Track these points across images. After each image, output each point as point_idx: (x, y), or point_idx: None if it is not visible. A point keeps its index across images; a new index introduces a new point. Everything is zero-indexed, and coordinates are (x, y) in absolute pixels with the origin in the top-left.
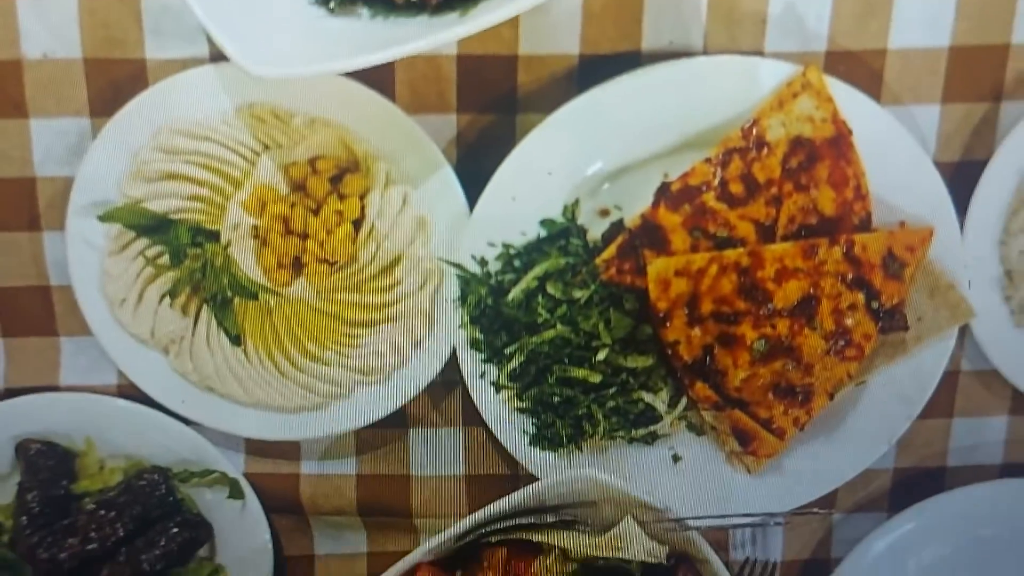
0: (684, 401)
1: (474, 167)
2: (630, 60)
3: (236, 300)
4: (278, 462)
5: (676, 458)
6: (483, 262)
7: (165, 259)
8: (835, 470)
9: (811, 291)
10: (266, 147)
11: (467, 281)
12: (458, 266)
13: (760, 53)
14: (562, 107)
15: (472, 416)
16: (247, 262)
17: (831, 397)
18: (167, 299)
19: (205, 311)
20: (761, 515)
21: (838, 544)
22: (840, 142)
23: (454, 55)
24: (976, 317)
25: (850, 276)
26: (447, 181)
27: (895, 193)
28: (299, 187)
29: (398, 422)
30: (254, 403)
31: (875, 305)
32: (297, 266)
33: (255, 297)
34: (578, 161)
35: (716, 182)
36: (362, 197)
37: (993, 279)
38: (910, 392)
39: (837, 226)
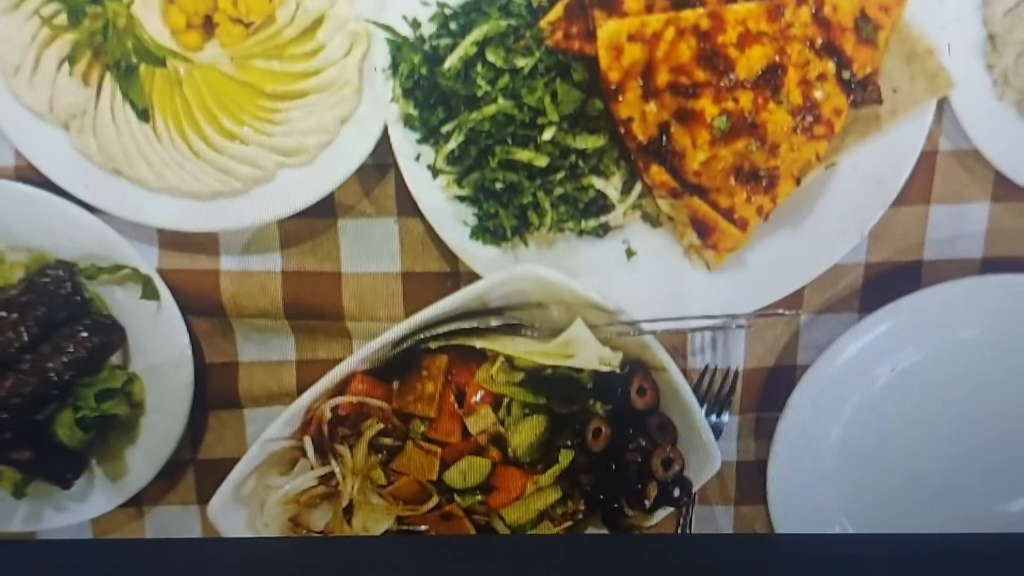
0: (638, 187)
1: None
2: None
3: (142, 67)
4: (195, 257)
5: (630, 252)
6: (415, 24)
7: (62, 18)
8: (802, 265)
9: (777, 59)
10: None
11: (398, 46)
12: (388, 28)
13: None
14: None
15: (407, 205)
16: (153, 22)
17: (798, 182)
18: (66, 66)
19: (108, 80)
20: (722, 317)
21: (805, 349)
22: None
23: None
24: (955, 88)
25: (819, 41)
26: None
27: None
28: None
29: (326, 211)
30: (166, 188)
31: (846, 75)
32: (209, 27)
33: (163, 63)
34: None
35: None
36: None
37: (974, 44)
38: (884, 173)
39: None
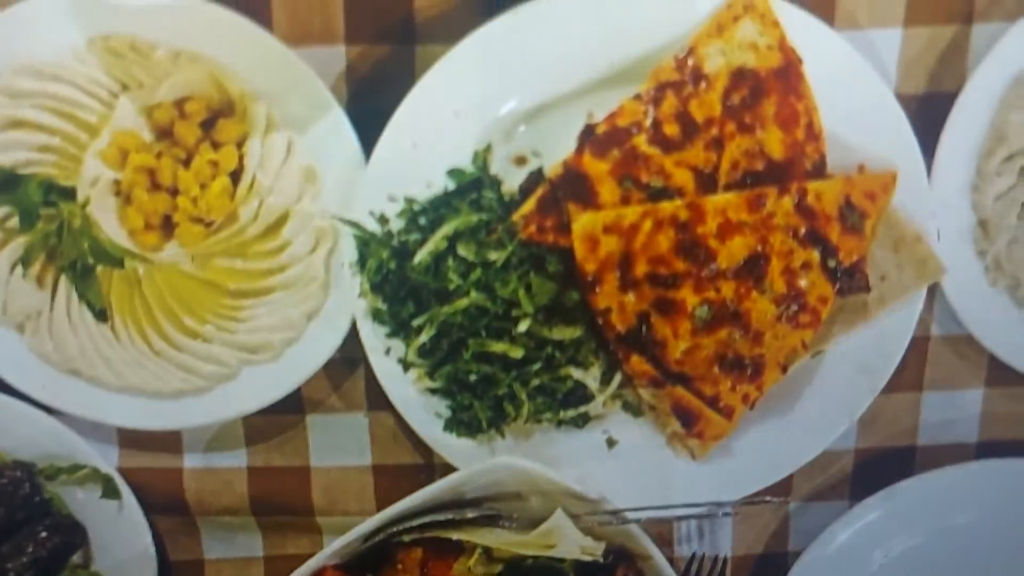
0: (619, 377)
1: (368, 107)
2: None
3: (99, 268)
4: (158, 455)
5: (611, 442)
6: (383, 219)
7: (14, 221)
8: (790, 452)
9: (759, 248)
10: (125, 87)
11: (366, 242)
12: (354, 224)
13: None
14: (468, 36)
15: (378, 399)
16: (109, 223)
17: (784, 370)
18: (19, 268)
19: (64, 282)
20: (708, 505)
21: (796, 536)
22: (789, 73)
23: None
24: (946, 275)
25: (803, 230)
26: (337, 124)
27: (853, 132)
28: (166, 134)
29: (293, 407)
30: (126, 387)
31: (832, 263)
32: (168, 227)
33: (120, 264)
34: (488, 99)
35: (648, 123)
36: (239, 145)
37: (965, 230)
38: (873, 362)
39: (787, 172)
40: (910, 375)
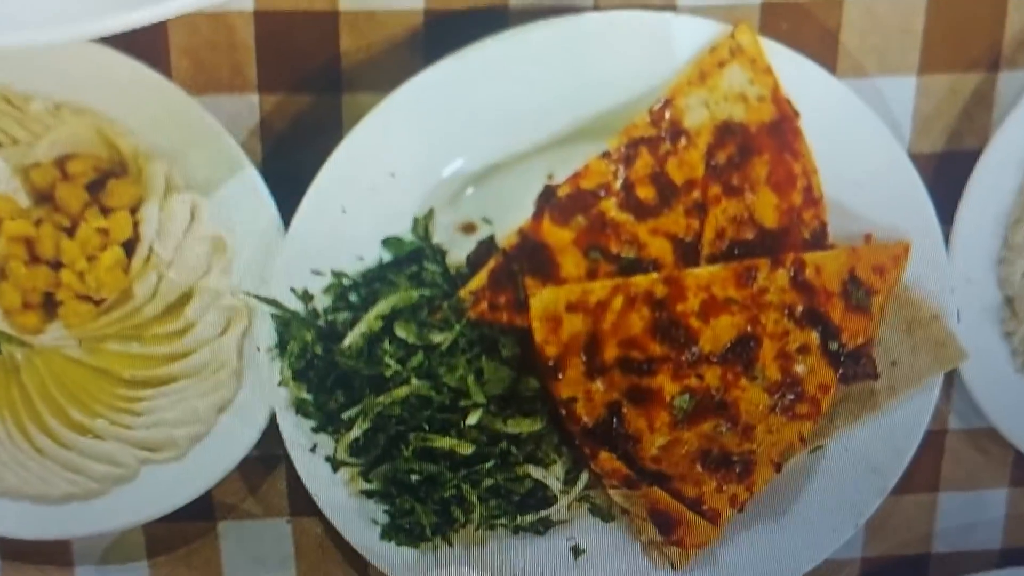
0: (585, 477)
1: (287, 167)
2: (495, 18)
3: None
4: (44, 568)
5: (577, 551)
6: (307, 296)
7: None
8: (786, 562)
9: (749, 329)
10: None
11: (286, 323)
12: (272, 302)
13: (673, 7)
14: (404, 84)
15: (303, 503)
16: None
17: (778, 468)
18: None
19: None
20: None
21: None
22: (784, 128)
23: (251, 11)
24: (967, 360)
25: (800, 308)
26: (250, 186)
27: (858, 196)
28: (46, 198)
29: (203, 512)
30: (5, 491)
31: (834, 346)
32: (50, 306)
33: None
34: (430, 158)
35: (618, 185)
36: (134, 210)
37: (989, 309)
38: (882, 459)
39: (781, 242)
40: (924, 474)
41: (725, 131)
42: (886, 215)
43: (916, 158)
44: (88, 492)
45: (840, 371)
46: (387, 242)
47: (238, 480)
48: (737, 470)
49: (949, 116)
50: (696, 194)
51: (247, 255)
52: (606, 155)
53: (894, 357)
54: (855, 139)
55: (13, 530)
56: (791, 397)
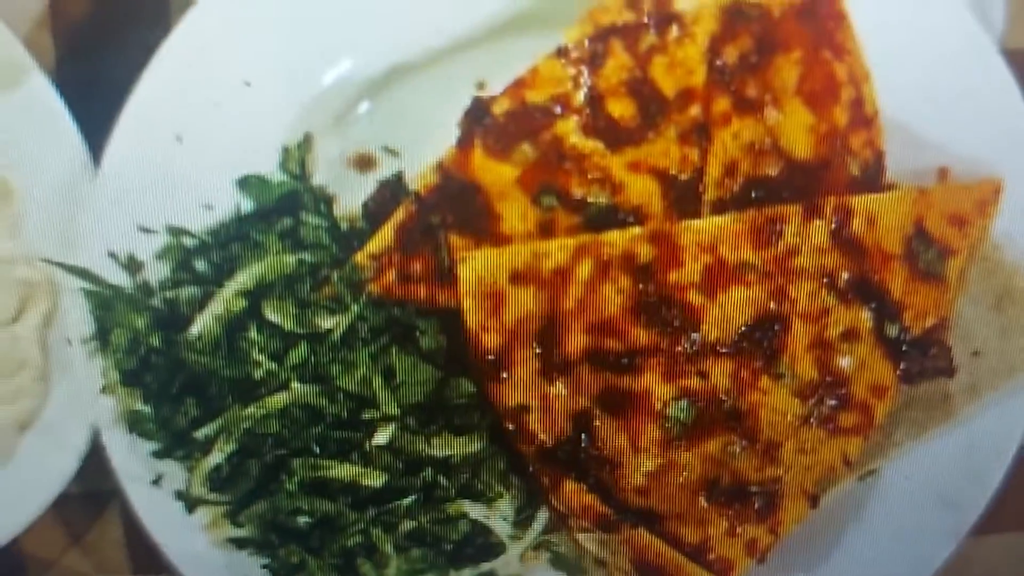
0: (543, 517)
1: (92, 73)
2: None
3: None
4: None
5: None
6: (134, 264)
7: None
8: None
9: (771, 307)
10: None
11: (106, 303)
12: (83, 273)
13: None
14: None
15: (146, 556)
16: None
17: (815, 502)
18: None
19: None
20: None
21: None
22: (820, 11)
23: None
24: None
25: (845, 277)
26: (41, 102)
27: (930, 113)
28: None
29: (13, 570)
30: None
31: (893, 331)
32: None
33: None
34: (302, 60)
35: (581, 97)
36: None
37: None
38: (958, 488)
39: (818, 181)
40: (1015, 507)
41: (736, 15)
42: (969, 141)
43: (1012, 56)
44: None
45: (902, 366)
46: (246, 183)
47: (55, 525)
48: (756, 505)
49: None
50: (695, 110)
51: (43, 204)
52: (561, 53)
53: (977, 345)
54: (924, 29)
55: None
56: (832, 403)
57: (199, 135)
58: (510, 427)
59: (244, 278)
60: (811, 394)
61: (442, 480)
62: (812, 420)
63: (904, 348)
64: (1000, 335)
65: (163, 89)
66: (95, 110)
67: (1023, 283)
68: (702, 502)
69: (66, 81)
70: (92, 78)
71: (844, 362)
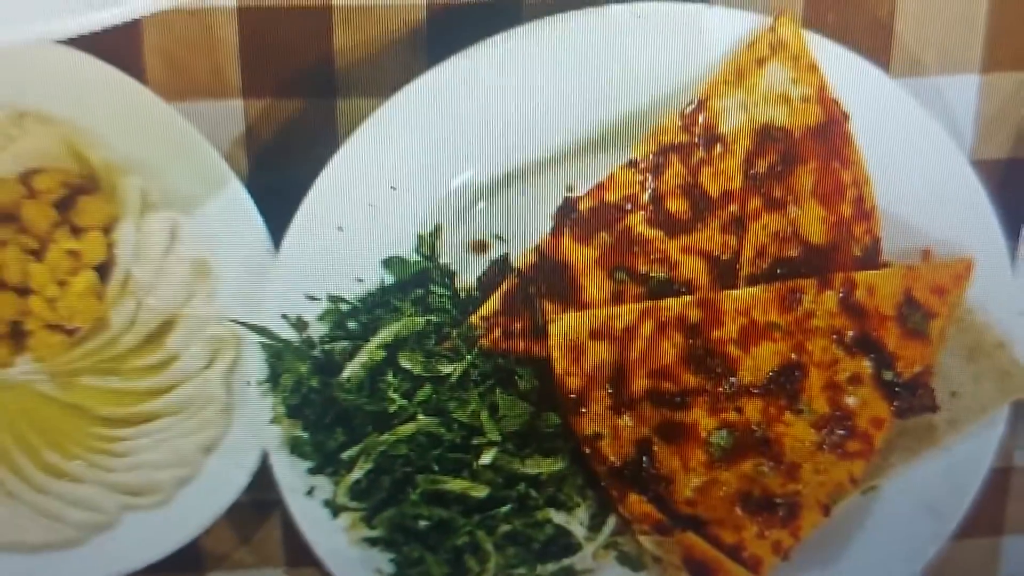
0: (612, 522)
1: (275, 181)
2: (507, 11)
3: None
4: None
5: None
6: (300, 324)
7: None
8: None
9: (793, 357)
10: None
11: (278, 354)
12: (262, 331)
13: None
14: (406, 86)
15: (299, 552)
16: None
17: (827, 511)
18: None
19: None
20: None
21: None
22: (832, 133)
23: (233, 6)
24: None
25: (850, 334)
26: (235, 203)
27: (916, 208)
28: (10, 217)
29: (190, 563)
30: None
31: (889, 376)
32: (18, 337)
33: None
34: (435, 169)
35: (646, 197)
36: (107, 231)
37: None
38: (941, 500)
39: (829, 260)
40: (988, 515)
41: (765, 136)
42: (946, 229)
43: (979, 165)
44: (65, 541)
45: (895, 403)
46: (389, 263)
47: (228, 527)
48: (781, 514)
49: (1016, 118)
50: (733, 207)
51: (233, 279)
52: (632, 164)
53: (955, 387)
54: (911, 145)
55: None
56: (841, 432)
57: (355, 226)
58: (587, 450)
59: (385, 334)
60: (824, 426)
61: (533, 492)
62: (825, 446)
63: (897, 390)
64: (973, 380)
65: (330, 192)
66: (277, 209)
67: (990, 339)
68: (738, 511)
69: (256, 187)
70: (276, 185)
71: (850, 401)
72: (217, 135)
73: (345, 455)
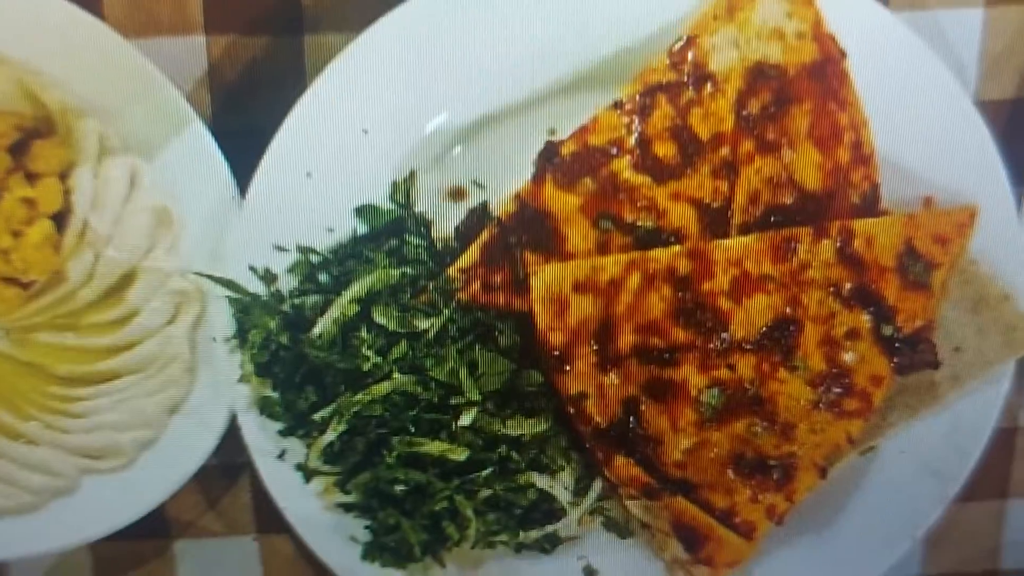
0: (598, 486)
1: (240, 124)
2: None
3: None
4: None
5: (590, 571)
6: (269, 276)
7: None
8: None
9: (788, 311)
10: None
11: (245, 308)
12: (229, 284)
13: None
14: (377, 22)
15: (270, 518)
16: None
17: (823, 473)
18: None
19: None
20: None
21: None
22: (828, 72)
23: None
24: None
25: (848, 286)
26: (199, 146)
27: (916, 153)
28: None
29: (156, 530)
30: None
31: (888, 330)
32: None
33: None
34: (409, 111)
35: (632, 141)
36: (64, 177)
37: None
38: (943, 462)
39: (825, 208)
40: (992, 478)
41: (758, 75)
42: (949, 175)
43: (984, 106)
44: (22, 506)
45: (895, 359)
46: (361, 211)
47: (195, 492)
48: (775, 476)
49: (1022, 56)
50: (725, 151)
51: (197, 229)
52: (617, 105)
53: (958, 342)
54: (912, 84)
55: None
56: (838, 391)
57: (325, 172)
58: (571, 411)
59: (358, 288)
60: (820, 383)
61: (514, 455)
62: (821, 405)
63: (897, 345)
64: (977, 334)
65: (298, 136)
66: (242, 152)
67: (995, 291)
68: (730, 474)
69: (220, 129)
70: (241, 127)
71: (848, 357)
72: (179, 74)
73: (317, 416)
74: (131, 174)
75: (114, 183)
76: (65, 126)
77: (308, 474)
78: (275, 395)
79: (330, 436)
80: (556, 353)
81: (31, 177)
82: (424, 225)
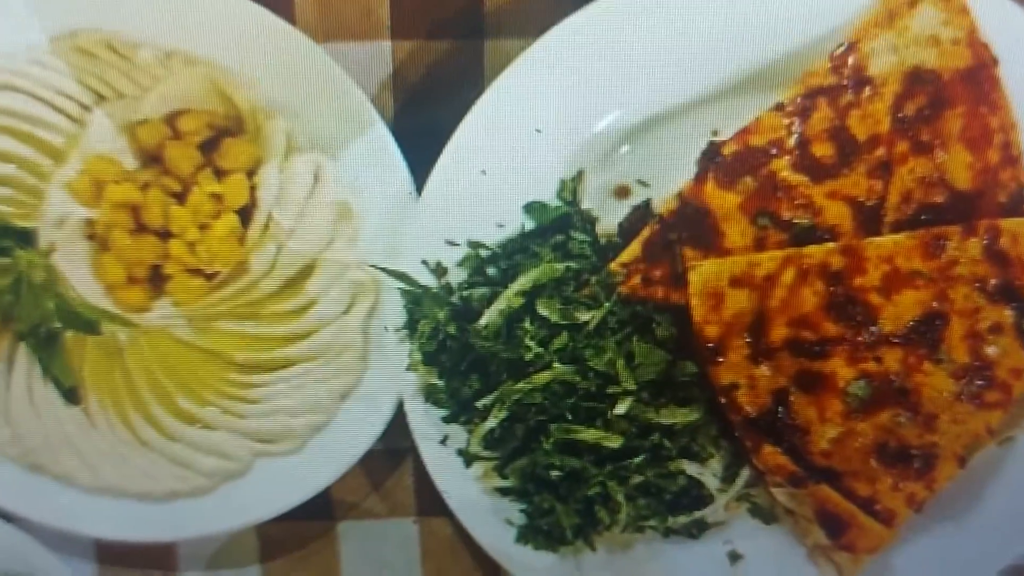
0: (745, 473)
1: (421, 124)
2: None
3: (68, 335)
4: (148, 573)
5: (735, 556)
6: (440, 270)
7: None
8: (969, 569)
9: (935, 306)
10: (101, 97)
11: (417, 299)
12: (402, 276)
13: None
14: (553, 28)
15: (431, 501)
16: (81, 276)
17: (963, 463)
18: None
19: (23, 352)
20: None
21: None
22: (981, 77)
23: None
24: None
25: (993, 282)
26: (380, 145)
27: None
28: (153, 159)
29: (321, 512)
30: (104, 487)
31: None
32: (157, 280)
33: (96, 330)
34: (579, 113)
35: (792, 142)
36: (251, 173)
37: None
38: None
39: (975, 207)
40: None
41: (915, 79)
42: None
43: None
44: (196, 489)
45: None
46: (530, 208)
47: (360, 476)
48: (916, 465)
49: None
50: (880, 152)
51: (375, 223)
52: (779, 107)
53: None
54: None
55: (113, 532)
56: (980, 382)
57: (499, 170)
58: (722, 401)
59: (524, 281)
60: (963, 376)
61: (666, 443)
62: (963, 396)
63: None
64: None
65: (474, 135)
66: (420, 151)
67: None
68: (873, 462)
69: (400, 129)
70: (420, 128)
71: (991, 350)
72: (365, 77)
73: (480, 403)
74: (315, 171)
75: (299, 179)
76: (255, 125)
77: (469, 459)
78: (441, 383)
79: (491, 423)
80: (711, 345)
81: (220, 173)
82: (589, 221)
